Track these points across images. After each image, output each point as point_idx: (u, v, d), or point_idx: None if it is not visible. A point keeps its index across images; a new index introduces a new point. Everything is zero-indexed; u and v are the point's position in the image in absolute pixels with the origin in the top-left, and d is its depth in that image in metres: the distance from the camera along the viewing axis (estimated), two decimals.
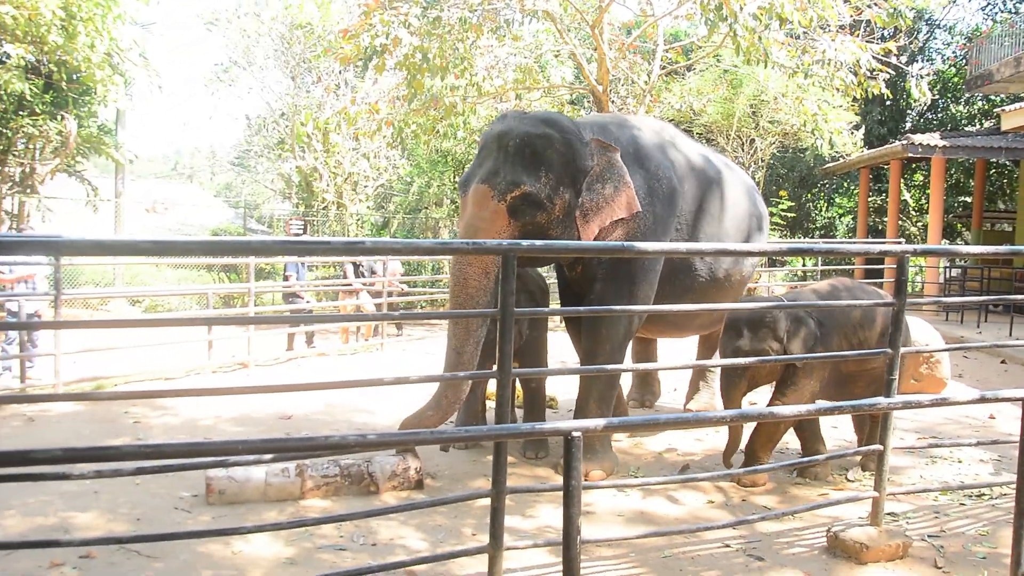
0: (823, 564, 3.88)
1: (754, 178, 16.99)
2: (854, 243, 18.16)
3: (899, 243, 15.92)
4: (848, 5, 9.30)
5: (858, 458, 5.39)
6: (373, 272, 11.48)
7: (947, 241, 22.59)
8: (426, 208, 22.16)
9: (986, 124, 21.87)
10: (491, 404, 6.66)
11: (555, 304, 7.64)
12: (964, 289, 15.90)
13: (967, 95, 21.94)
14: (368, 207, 21.00)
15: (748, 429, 5.20)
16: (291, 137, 19.25)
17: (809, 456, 5.17)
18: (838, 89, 10.18)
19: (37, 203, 13.72)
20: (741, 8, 7.88)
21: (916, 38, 22.89)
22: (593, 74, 10.61)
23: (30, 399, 6.31)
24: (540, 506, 4.63)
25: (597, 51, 10.46)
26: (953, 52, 24.75)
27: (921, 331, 7.49)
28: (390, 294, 11.39)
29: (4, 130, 12.36)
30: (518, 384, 6.17)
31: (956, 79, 23.06)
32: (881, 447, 3.96)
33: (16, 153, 13.36)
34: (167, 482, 4.68)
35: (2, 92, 11.13)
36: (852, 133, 15.22)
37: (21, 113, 12.24)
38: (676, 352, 8.69)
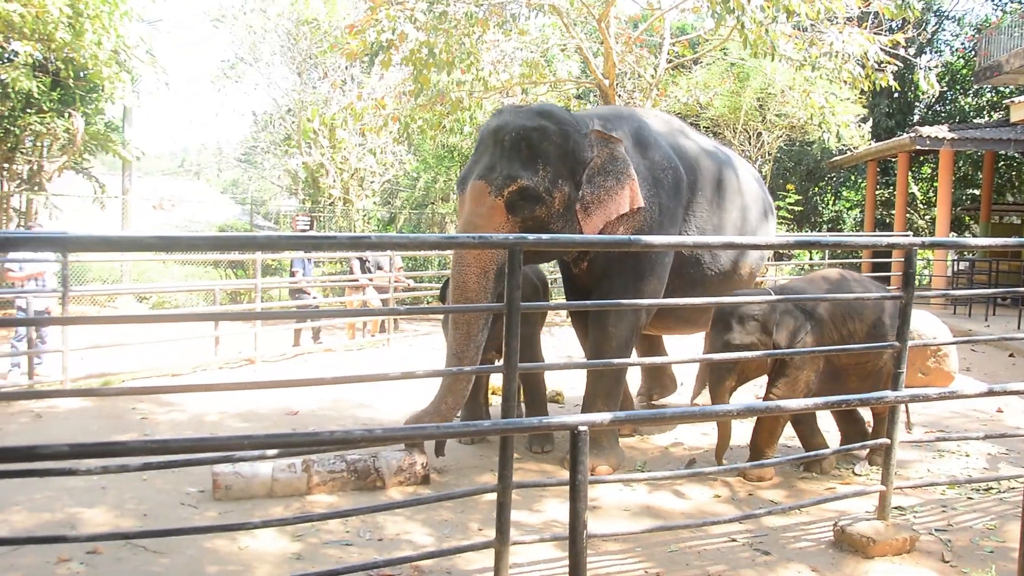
0: (830, 558, 3.87)
1: (761, 171, 16.94)
2: (861, 236, 18.10)
3: (907, 236, 15.85)
4: None
5: (864, 452, 5.37)
6: (379, 268, 11.48)
7: (955, 234, 22.46)
8: (432, 203, 22.14)
9: (995, 116, 21.75)
10: (495, 400, 6.67)
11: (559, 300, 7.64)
12: (972, 282, 15.84)
13: (976, 87, 21.78)
14: (374, 203, 21.01)
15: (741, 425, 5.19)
16: (297, 133, 19.27)
17: (809, 450, 5.15)
18: (845, 82, 10.13)
19: (45, 200, 13.76)
20: (748, 1, 7.84)
21: (924, 29, 22.74)
22: (599, 68, 10.59)
23: (38, 395, 6.34)
24: (546, 501, 4.62)
25: (604, 45, 10.44)
26: (962, 43, 24.62)
27: (928, 324, 7.46)
28: (396, 290, 11.40)
29: (12, 128, 12.39)
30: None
31: (965, 71, 22.93)
32: (888, 441, 3.94)
33: (24, 151, 13.40)
34: (173, 478, 4.71)
35: (10, 90, 11.15)
36: (859, 126, 15.17)
37: (29, 111, 12.27)
38: (683, 348, 8.68)
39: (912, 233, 20.09)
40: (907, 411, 5.20)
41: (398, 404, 6.51)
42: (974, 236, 22.61)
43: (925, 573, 3.73)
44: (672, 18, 12.19)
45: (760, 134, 16.93)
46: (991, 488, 4.91)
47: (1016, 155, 19.47)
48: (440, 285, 6.37)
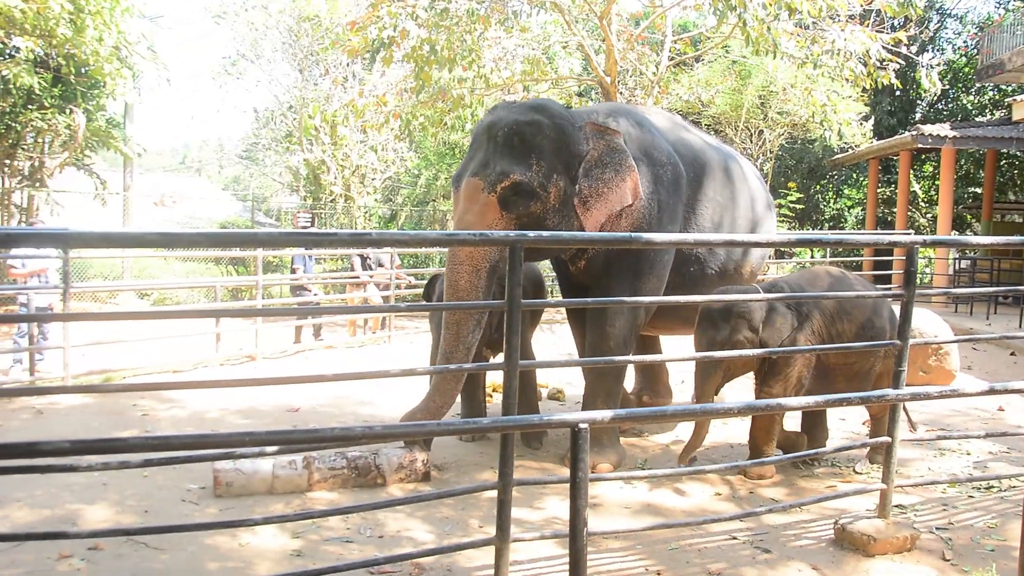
0: (831, 556, 3.87)
1: (763, 169, 16.93)
2: (863, 234, 18.09)
3: (908, 234, 15.84)
4: None
5: (865, 450, 5.36)
6: (381, 264, 11.48)
7: (957, 232, 22.45)
8: (434, 200, 22.13)
9: (997, 114, 21.73)
10: (496, 397, 6.67)
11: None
12: (974, 280, 15.84)
13: (978, 85, 21.76)
14: (376, 200, 21.02)
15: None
16: (299, 130, 19.27)
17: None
18: (847, 79, 10.12)
19: (46, 197, 13.76)
20: None
21: (926, 27, 22.72)
22: (601, 65, 10.58)
23: (39, 391, 6.34)
24: (547, 498, 4.62)
25: (605, 42, 10.43)
26: (964, 41, 24.58)
27: (930, 323, 7.46)
28: (398, 287, 11.41)
29: (13, 124, 12.39)
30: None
31: (967, 69, 22.90)
32: (889, 439, 3.94)
33: (25, 147, 13.40)
34: (174, 474, 4.71)
35: (11, 86, 11.15)
36: (861, 124, 15.15)
37: (30, 107, 12.27)
38: (686, 349, 8.67)
39: (914, 231, 20.10)
40: (906, 411, 5.20)
41: (399, 401, 6.50)
42: (976, 234, 22.60)
43: (926, 571, 3.73)
44: (674, 15, 12.16)
45: (762, 132, 16.90)
46: (992, 487, 4.91)
47: (1018, 153, 19.47)
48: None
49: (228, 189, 33.77)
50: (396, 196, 23.03)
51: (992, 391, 3.24)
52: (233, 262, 17.64)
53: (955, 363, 7.67)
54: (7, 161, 13.34)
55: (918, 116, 23.23)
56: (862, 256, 16.96)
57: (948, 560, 3.82)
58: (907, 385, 4.10)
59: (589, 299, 5.38)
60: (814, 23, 9.17)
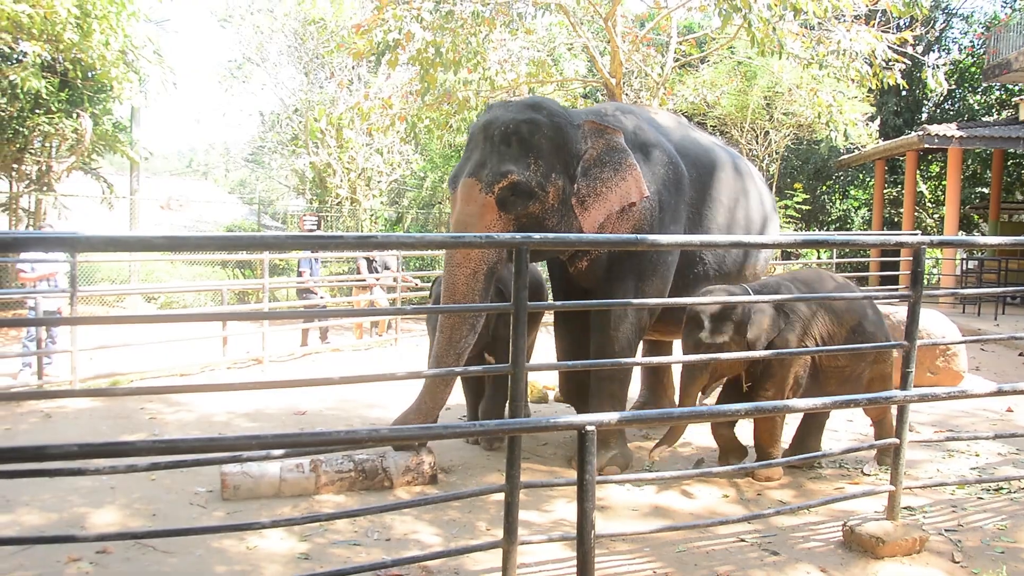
0: (839, 558, 3.86)
1: (768, 170, 16.91)
2: (870, 235, 18.03)
3: (915, 235, 15.80)
4: None
5: (873, 452, 5.34)
6: (387, 267, 11.49)
7: (964, 233, 22.36)
8: (440, 203, 22.13)
9: (1004, 114, 21.64)
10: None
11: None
12: (981, 281, 15.80)
13: (984, 85, 21.68)
14: (382, 202, 21.02)
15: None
16: (305, 133, 19.29)
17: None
18: (853, 80, 10.09)
19: (54, 201, 13.81)
20: None
21: (932, 27, 22.65)
22: (606, 67, 10.57)
23: (47, 395, 6.37)
24: (554, 501, 4.62)
25: (610, 44, 10.41)
26: (970, 41, 24.48)
27: (937, 323, 7.43)
28: (402, 289, 11.42)
29: (21, 128, 12.44)
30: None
31: (973, 69, 22.81)
32: (897, 441, 3.93)
33: (33, 151, 13.45)
34: (182, 478, 4.72)
35: (19, 90, 11.20)
36: (867, 124, 15.11)
37: (37, 111, 12.32)
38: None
39: (921, 232, 20.03)
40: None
41: (405, 404, 6.48)
42: (983, 235, 22.53)
43: (935, 574, 3.71)
44: (679, 17, 12.13)
45: (767, 133, 16.87)
46: (1001, 488, 4.88)
47: None
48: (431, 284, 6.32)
49: (234, 192, 33.83)
50: (402, 199, 23.04)
51: (1000, 392, 3.24)
52: (240, 265, 17.68)
53: (963, 364, 7.65)
54: (15, 165, 13.39)
55: (924, 116, 23.15)
56: (869, 257, 16.91)
57: (957, 562, 3.81)
58: (915, 386, 4.08)
59: (593, 301, 5.28)
60: (819, 23, 9.15)
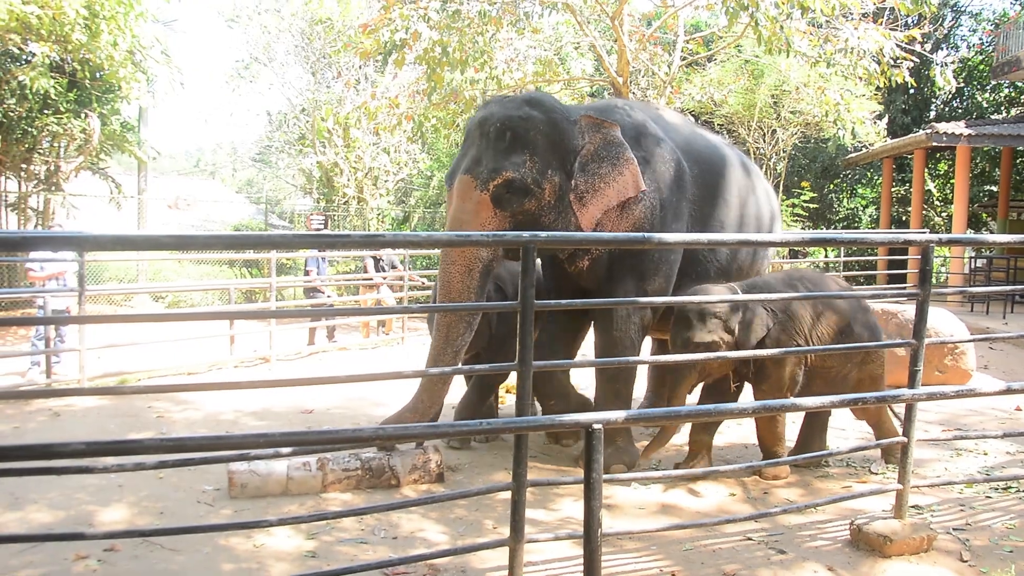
0: (846, 557, 3.84)
1: (776, 169, 16.88)
2: (878, 233, 17.98)
3: (923, 233, 15.74)
4: None
5: (879, 451, 5.33)
6: (393, 266, 11.50)
7: (972, 231, 22.27)
8: (446, 202, 22.18)
9: (1013, 112, 21.55)
10: (509, 398, 6.67)
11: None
12: (990, 279, 15.72)
13: (993, 82, 21.61)
14: (388, 202, 21.06)
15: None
16: (312, 133, 19.34)
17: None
18: (861, 78, 10.07)
19: (62, 200, 13.87)
20: None
21: (941, 25, 22.56)
22: (613, 66, 10.56)
23: (56, 393, 6.37)
24: (561, 499, 4.62)
25: (617, 43, 10.41)
26: (979, 39, 24.39)
27: (945, 322, 7.41)
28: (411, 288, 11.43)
29: (29, 128, 12.50)
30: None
31: (982, 66, 22.71)
32: (905, 439, 3.91)
33: (41, 151, 13.51)
34: (189, 476, 4.73)
35: (27, 91, 11.25)
36: (875, 123, 15.05)
37: (46, 111, 12.37)
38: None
39: (929, 230, 19.96)
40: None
41: None
42: (992, 233, 22.43)
43: (943, 573, 3.69)
44: (686, 15, 12.13)
45: (775, 131, 16.83)
46: (1010, 487, 4.85)
47: None
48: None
49: (242, 192, 33.92)
50: (409, 198, 23.08)
51: (1009, 390, 3.23)
52: (247, 264, 17.74)
53: (971, 362, 7.62)
54: (24, 165, 13.45)
55: (932, 114, 23.07)
56: (876, 255, 16.86)
57: (966, 561, 3.79)
58: (923, 384, 4.07)
59: (596, 300, 5.21)
60: (827, 21, 9.13)
